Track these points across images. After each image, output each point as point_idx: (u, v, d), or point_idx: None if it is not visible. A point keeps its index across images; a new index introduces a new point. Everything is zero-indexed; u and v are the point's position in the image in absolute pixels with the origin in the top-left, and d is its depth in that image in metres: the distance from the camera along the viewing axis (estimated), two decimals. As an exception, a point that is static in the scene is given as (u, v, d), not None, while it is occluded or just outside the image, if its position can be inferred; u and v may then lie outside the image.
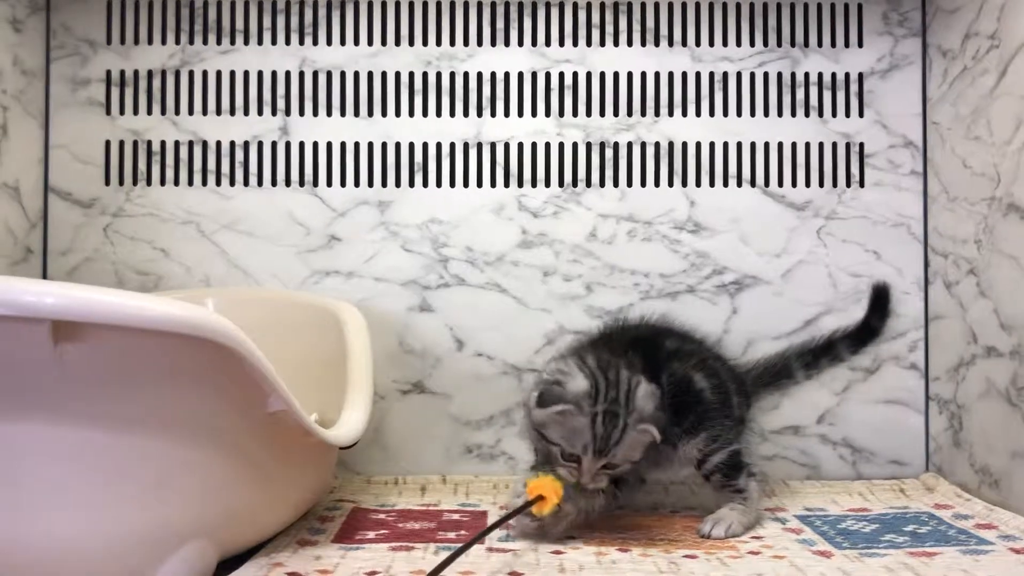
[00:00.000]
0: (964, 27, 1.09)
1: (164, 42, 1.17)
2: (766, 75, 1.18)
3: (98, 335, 0.66)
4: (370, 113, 1.18)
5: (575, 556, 0.82)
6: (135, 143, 1.17)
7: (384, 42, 1.18)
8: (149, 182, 1.17)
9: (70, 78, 1.17)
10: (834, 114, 1.18)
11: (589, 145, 1.18)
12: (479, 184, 1.18)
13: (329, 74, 1.18)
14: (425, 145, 1.18)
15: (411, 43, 1.18)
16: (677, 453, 0.93)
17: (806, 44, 1.18)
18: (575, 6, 1.18)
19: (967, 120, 1.08)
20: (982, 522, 0.94)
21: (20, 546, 0.69)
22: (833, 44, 1.18)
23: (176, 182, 1.17)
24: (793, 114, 1.18)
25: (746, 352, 1.16)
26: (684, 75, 1.18)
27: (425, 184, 1.18)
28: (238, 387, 0.74)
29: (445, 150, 1.18)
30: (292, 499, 0.87)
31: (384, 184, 1.18)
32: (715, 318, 1.17)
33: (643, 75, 1.18)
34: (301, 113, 1.17)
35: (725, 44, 1.18)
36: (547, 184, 1.18)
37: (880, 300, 1.15)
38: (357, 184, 1.17)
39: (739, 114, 1.18)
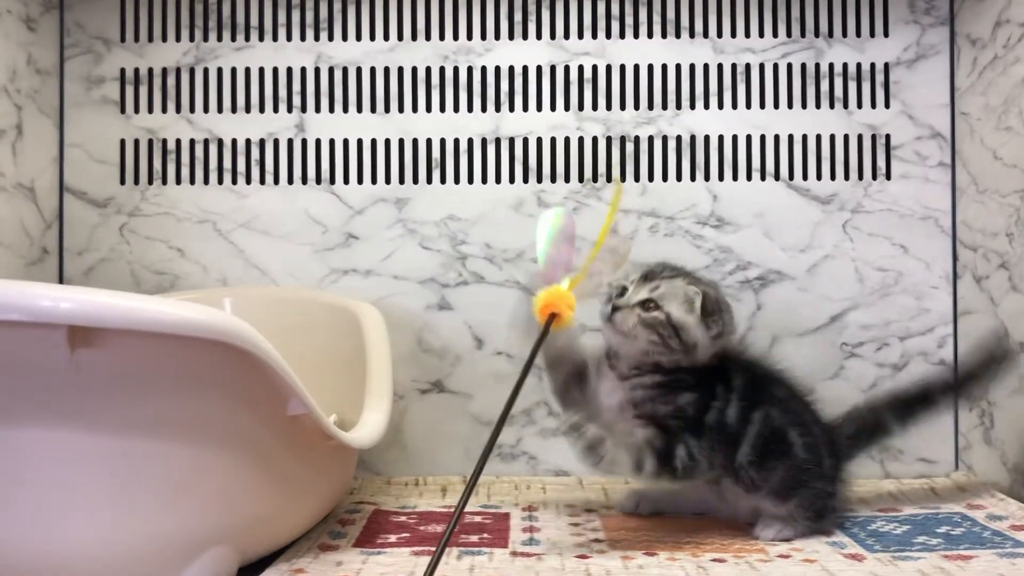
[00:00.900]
0: (995, 14, 1.06)
1: (178, 39, 1.16)
2: (790, 66, 1.16)
3: (115, 340, 0.65)
4: (387, 109, 1.16)
5: (601, 561, 0.81)
6: (150, 142, 1.16)
7: (401, 37, 1.16)
8: (165, 181, 1.16)
9: (84, 76, 1.16)
10: (859, 105, 1.16)
11: (609, 139, 1.16)
12: (497, 180, 1.16)
13: (345, 70, 1.16)
14: (443, 141, 1.16)
15: (428, 38, 1.16)
16: (750, 502, 0.89)
17: (830, 34, 1.16)
18: (594, -2, 1.16)
19: (998, 110, 1.05)
20: (1018, 523, 0.91)
21: (39, 553, 0.68)
22: (858, 34, 1.16)
23: (192, 181, 1.16)
24: (818, 106, 1.16)
25: (771, 349, 1.14)
26: (706, 67, 1.16)
27: (443, 180, 1.16)
28: (257, 391, 0.73)
29: (463, 146, 1.16)
30: (312, 503, 0.86)
31: (401, 181, 1.16)
32: (739, 314, 1.14)
33: (664, 67, 1.16)
34: (317, 110, 1.16)
35: (748, 35, 1.16)
36: (567, 179, 1.16)
37: (996, 356, 1.01)
38: (374, 181, 1.16)
39: (762, 106, 1.16)
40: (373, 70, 1.16)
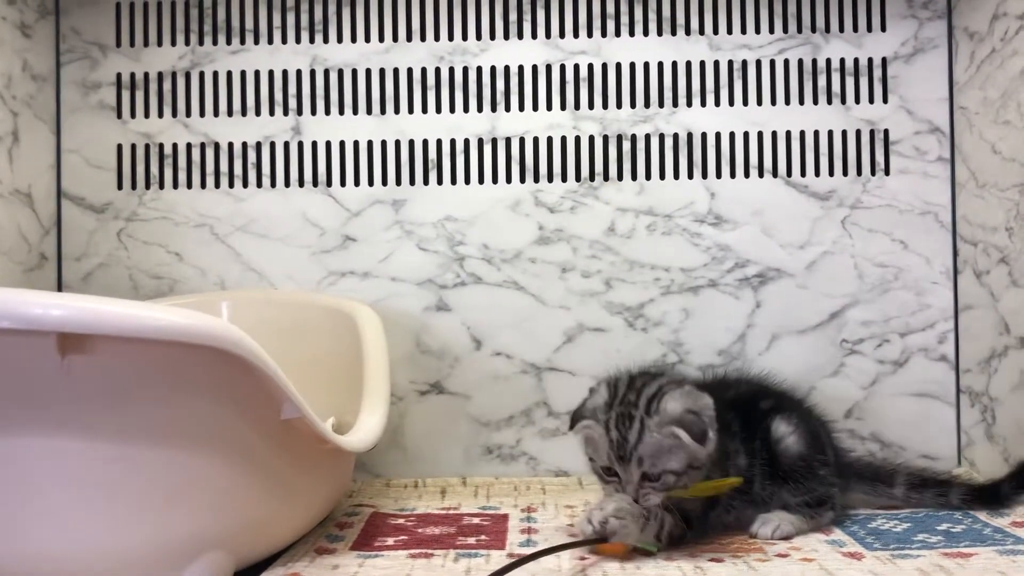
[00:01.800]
0: (992, 8, 1.05)
1: (174, 43, 1.16)
2: (787, 62, 1.15)
3: (106, 346, 0.65)
4: (383, 111, 1.16)
5: (598, 562, 0.80)
6: (147, 146, 1.16)
7: (396, 38, 1.16)
8: (162, 185, 1.16)
9: (80, 82, 1.16)
10: (857, 101, 1.15)
11: (606, 138, 1.16)
12: (494, 180, 1.16)
13: (341, 72, 1.16)
14: (439, 142, 1.16)
15: (423, 38, 1.16)
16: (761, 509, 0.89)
17: (827, 29, 1.15)
18: (589, -4, 1.16)
19: (996, 104, 1.04)
20: (1019, 520, 0.91)
21: (33, 560, 0.68)
22: (855, 29, 1.15)
23: (189, 185, 1.16)
24: (815, 102, 1.15)
25: (770, 347, 1.13)
26: (702, 64, 1.16)
27: (440, 181, 1.16)
28: (250, 395, 0.73)
29: (460, 146, 1.16)
30: (309, 506, 0.86)
31: (398, 182, 1.16)
32: (738, 312, 1.14)
33: (660, 65, 1.16)
34: (313, 112, 1.16)
35: (744, 31, 1.15)
36: (564, 179, 1.16)
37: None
38: (371, 183, 1.16)
39: (759, 103, 1.15)
40: (368, 72, 1.16)
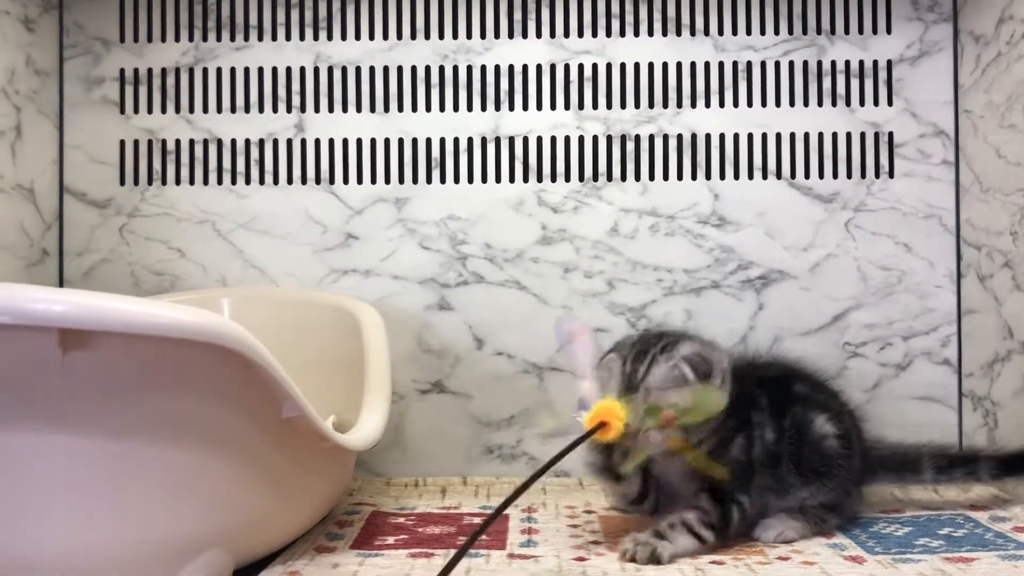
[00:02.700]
0: (998, 11, 1.05)
1: (177, 39, 1.16)
2: (791, 64, 1.15)
3: (107, 343, 0.65)
4: (386, 109, 1.16)
5: (599, 563, 0.80)
6: (149, 142, 1.16)
7: (400, 36, 1.16)
8: (164, 181, 1.16)
9: (84, 77, 1.16)
10: (862, 103, 1.15)
11: (610, 138, 1.15)
12: (497, 179, 1.15)
13: (344, 69, 1.16)
14: (442, 140, 1.16)
15: (427, 37, 1.16)
16: (785, 500, 0.89)
17: (832, 31, 1.15)
18: (594, -4, 1.15)
19: (1001, 108, 1.04)
20: (1021, 525, 0.91)
21: (32, 557, 0.68)
22: (860, 31, 1.15)
23: (191, 181, 1.16)
24: (820, 104, 1.15)
25: (773, 349, 1.13)
26: (707, 65, 1.15)
27: (443, 180, 1.16)
28: (251, 393, 0.72)
29: (463, 145, 1.16)
30: (309, 505, 0.86)
31: (401, 181, 1.16)
32: (741, 314, 1.14)
33: (664, 65, 1.15)
34: (316, 110, 1.16)
35: (749, 32, 1.15)
36: (567, 179, 1.15)
37: None
38: (374, 181, 1.16)
39: (764, 104, 1.15)
40: (372, 69, 1.16)
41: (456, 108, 1.16)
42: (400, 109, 1.16)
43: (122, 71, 1.16)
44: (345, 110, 1.16)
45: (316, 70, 1.16)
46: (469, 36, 1.16)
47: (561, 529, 0.91)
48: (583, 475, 1.11)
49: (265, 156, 1.16)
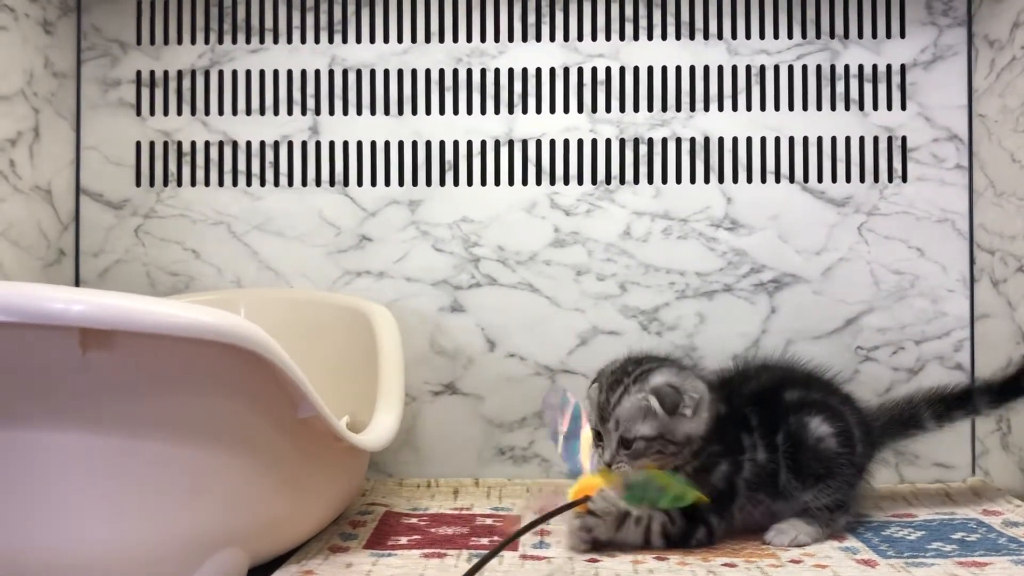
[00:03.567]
0: (1013, 15, 1.05)
1: (194, 42, 1.17)
2: (805, 68, 1.15)
3: (127, 343, 0.65)
4: (400, 111, 1.16)
5: (611, 564, 0.81)
6: (165, 144, 1.17)
7: (414, 39, 1.16)
8: (180, 183, 1.17)
9: (101, 79, 1.17)
10: (875, 107, 1.15)
11: (623, 141, 1.16)
12: (511, 182, 1.16)
13: (359, 72, 1.16)
14: (456, 143, 1.16)
15: (441, 40, 1.16)
16: (791, 504, 0.89)
17: (846, 35, 1.15)
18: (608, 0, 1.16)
19: (1016, 112, 1.04)
20: (1033, 530, 0.90)
21: (50, 555, 0.69)
22: (874, 35, 1.15)
23: (207, 183, 1.17)
24: (833, 108, 1.15)
25: (785, 352, 1.13)
26: (720, 69, 1.15)
27: (456, 183, 1.16)
28: (268, 393, 0.73)
29: (476, 148, 1.16)
30: (323, 505, 0.86)
31: (415, 183, 1.16)
32: (753, 318, 1.14)
33: (678, 69, 1.16)
34: (331, 112, 1.16)
35: (762, 36, 1.15)
36: (580, 182, 1.16)
37: None
38: (388, 183, 1.16)
39: (777, 108, 1.15)
40: (387, 72, 1.16)
41: (470, 111, 1.16)
42: (414, 112, 1.16)
43: (139, 73, 1.17)
44: (359, 112, 1.17)
45: (331, 73, 1.17)
46: (483, 39, 1.16)
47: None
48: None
49: (280, 158, 1.17)
